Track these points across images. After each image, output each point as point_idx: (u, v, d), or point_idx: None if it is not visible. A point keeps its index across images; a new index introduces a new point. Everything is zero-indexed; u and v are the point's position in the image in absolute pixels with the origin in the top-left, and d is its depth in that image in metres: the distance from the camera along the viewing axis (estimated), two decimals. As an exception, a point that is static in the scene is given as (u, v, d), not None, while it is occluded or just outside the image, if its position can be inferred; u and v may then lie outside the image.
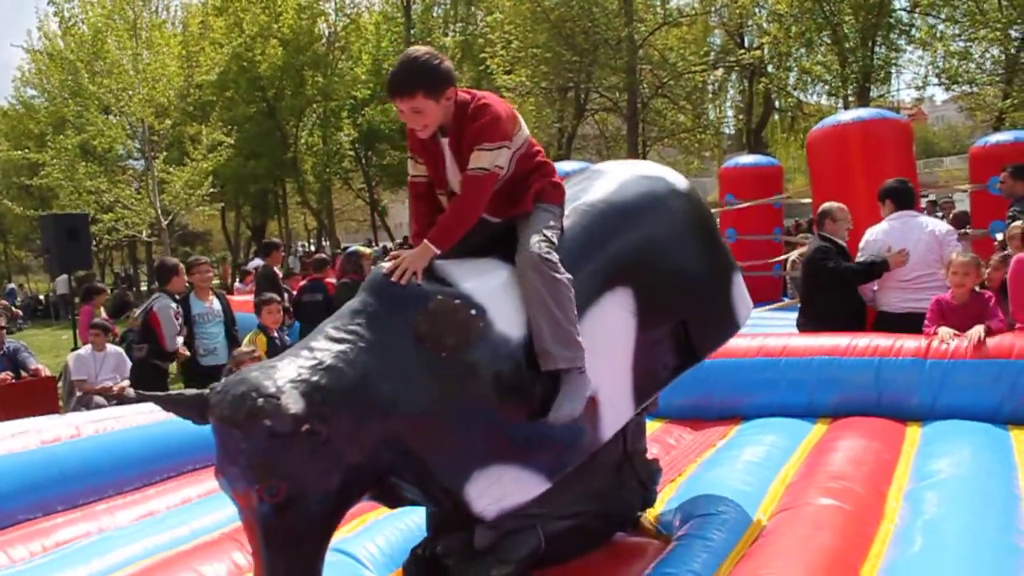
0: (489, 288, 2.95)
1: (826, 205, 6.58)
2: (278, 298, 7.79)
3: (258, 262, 20.76)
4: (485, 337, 2.83)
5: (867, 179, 7.45)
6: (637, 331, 3.25)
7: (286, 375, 2.55)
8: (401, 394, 2.69)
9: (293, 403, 2.45)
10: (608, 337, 3.15)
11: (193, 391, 2.68)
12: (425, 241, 2.94)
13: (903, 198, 6.42)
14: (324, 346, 2.69)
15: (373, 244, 28.22)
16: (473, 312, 2.84)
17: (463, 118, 3.02)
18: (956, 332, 5.14)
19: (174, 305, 7.37)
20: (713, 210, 11.52)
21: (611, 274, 3.19)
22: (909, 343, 5.19)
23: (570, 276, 2.97)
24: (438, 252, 2.93)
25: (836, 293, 6.26)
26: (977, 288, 5.44)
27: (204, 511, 4.21)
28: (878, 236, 6.33)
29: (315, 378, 2.56)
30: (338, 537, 3.75)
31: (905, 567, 2.98)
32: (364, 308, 2.82)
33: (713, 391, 5.40)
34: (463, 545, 3.14)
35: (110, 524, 4.17)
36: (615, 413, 3.19)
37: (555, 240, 3.05)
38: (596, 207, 3.33)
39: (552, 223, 3.11)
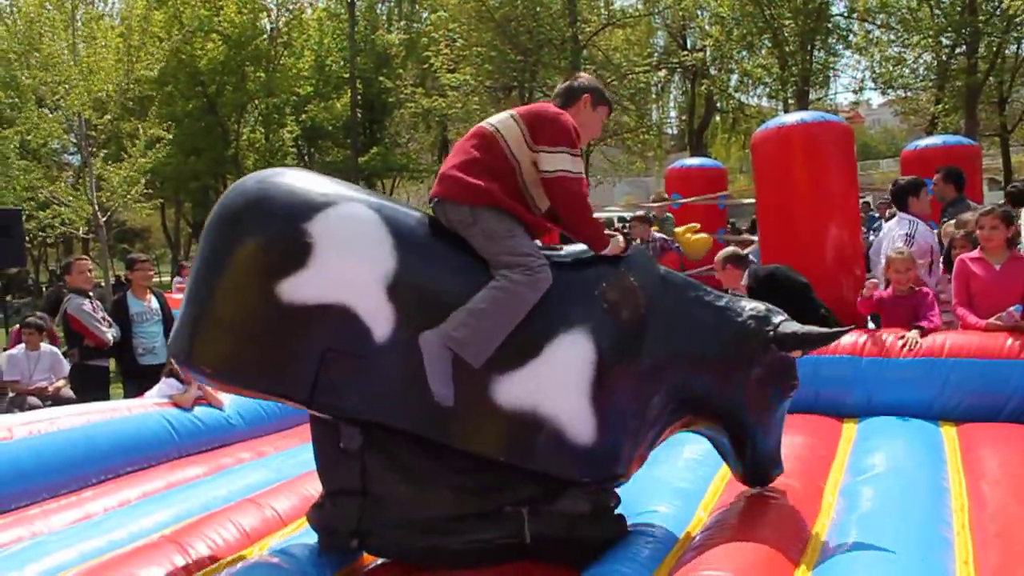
0: None
1: None
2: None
3: None
4: None
5: (809, 180, 7.58)
6: None
7: None
8: None
9: None
10: None
11: None
12: None
13: (893, 198, 6.94)
14: None
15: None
16: None
17: None
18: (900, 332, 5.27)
19: (85, 300, 7.26)
20: (657, 204, 11.74)
21: None
22: (845, 341, 5.30)
23: None
24: None
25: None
26: (915, 286, 5.59)
27: (142, 513, 4.14)
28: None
29: None
30: (284, 537, 3.72)
31: (841, 560, 3.05)
32: None
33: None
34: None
35: (44, 528, 4.07)
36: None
37: None
38: None
39: None
